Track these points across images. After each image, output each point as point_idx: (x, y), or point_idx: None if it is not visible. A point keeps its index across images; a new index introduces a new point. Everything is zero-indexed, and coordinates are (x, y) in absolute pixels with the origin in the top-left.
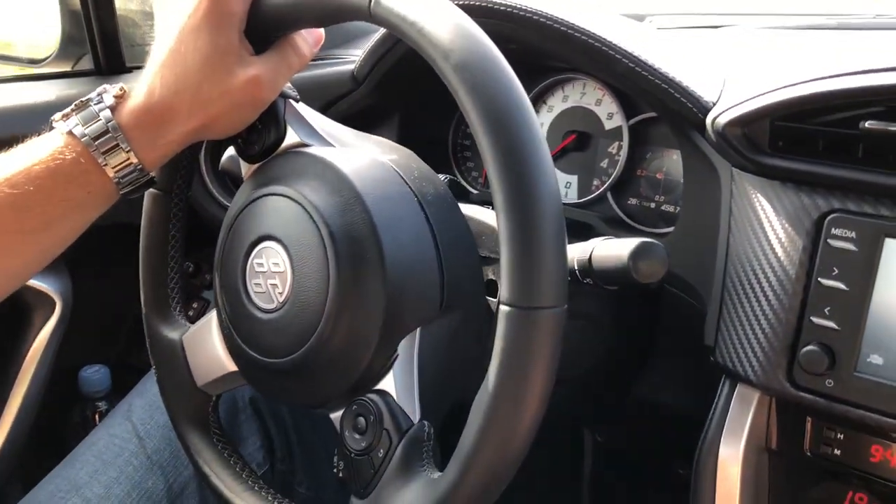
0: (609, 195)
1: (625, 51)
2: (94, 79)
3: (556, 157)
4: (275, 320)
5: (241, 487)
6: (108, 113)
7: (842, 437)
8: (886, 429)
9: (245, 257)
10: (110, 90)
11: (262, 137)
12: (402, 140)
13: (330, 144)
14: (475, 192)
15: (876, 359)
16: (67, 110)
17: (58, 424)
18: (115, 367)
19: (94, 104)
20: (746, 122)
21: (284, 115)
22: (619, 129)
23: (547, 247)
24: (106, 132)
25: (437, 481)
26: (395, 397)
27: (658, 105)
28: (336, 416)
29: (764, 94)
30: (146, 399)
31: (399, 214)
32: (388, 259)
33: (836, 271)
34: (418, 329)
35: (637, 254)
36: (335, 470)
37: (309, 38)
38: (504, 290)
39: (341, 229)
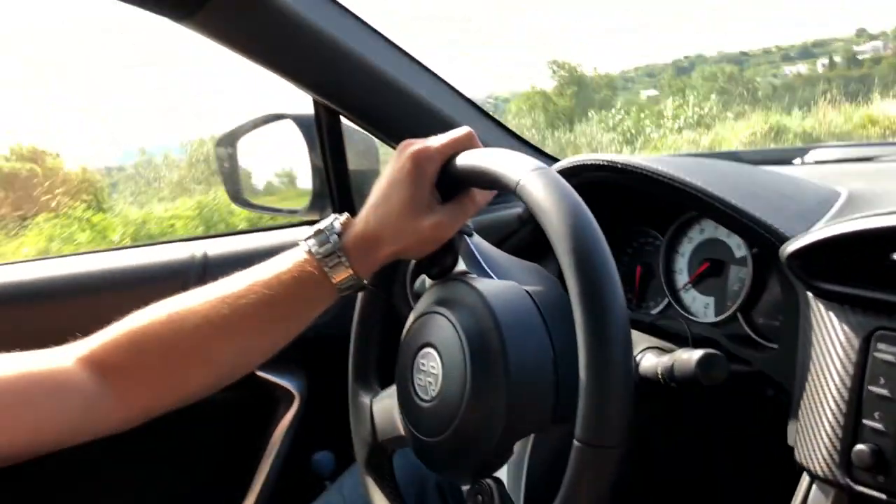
0: (739, 315)
1: (712, 193)
2: None
3: (696, 282)
4: (426, 409)
5: None
6: (336, 238)
7: None
8: None
9: (414, 356)
10: (339, 220)
11: (441, 262)
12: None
13: (488, 273)
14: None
15: None
16: (309, 234)
17: (292, 499)
18: (339, 452)
19: (327, 232)
20: (803, 254)
21: (458, 249)
22: (745, 257)
23: (618, 401)
24: (334, 253)
25: None
26: (505, 486)
27: (753, 238)
28: (466, 488)
29: (818, 230)
30: (354, 478)
31: (528, 343)
32: (513, 379)
33: (883, 381)
34: (532, 435)
35: (701, 363)
36: None
37: (483, 192)
38: (579, 429)
39: (479, 351)
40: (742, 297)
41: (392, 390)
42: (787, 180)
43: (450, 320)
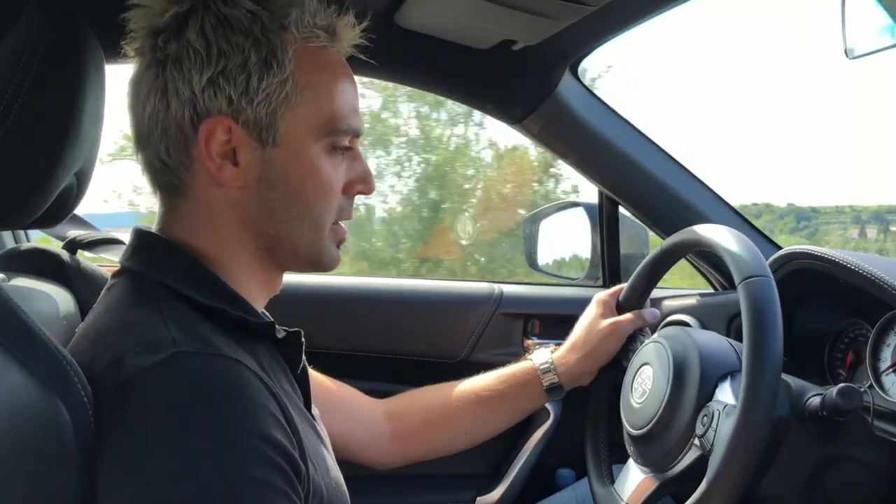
0: None
1: (881, 277)
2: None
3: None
4: (637, 408)
5: None
6: (548, 353)
7: None
8: None
9: (636, 372)
10: (553, 345)
11: (626, 358)
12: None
13: None
14: (823, 387)
15: None
16: (532, 350)
17: (531, 497)
18: (579, 472)
19: (546, 347)
20: None
21: (639, 345)
22: None
23: (755, 251)
24: (547, 367)
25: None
26: (717, 398)
27: None
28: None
29: None
30: (584, 487)
31: (720, 365)
32: (702, 392)
33: None
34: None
35: (840, 392)
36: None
37: (649, 311)
38: (737, 275)
39: (680, 370)
40: None
41: (627, 465)
42: None
43: (664, 346)
